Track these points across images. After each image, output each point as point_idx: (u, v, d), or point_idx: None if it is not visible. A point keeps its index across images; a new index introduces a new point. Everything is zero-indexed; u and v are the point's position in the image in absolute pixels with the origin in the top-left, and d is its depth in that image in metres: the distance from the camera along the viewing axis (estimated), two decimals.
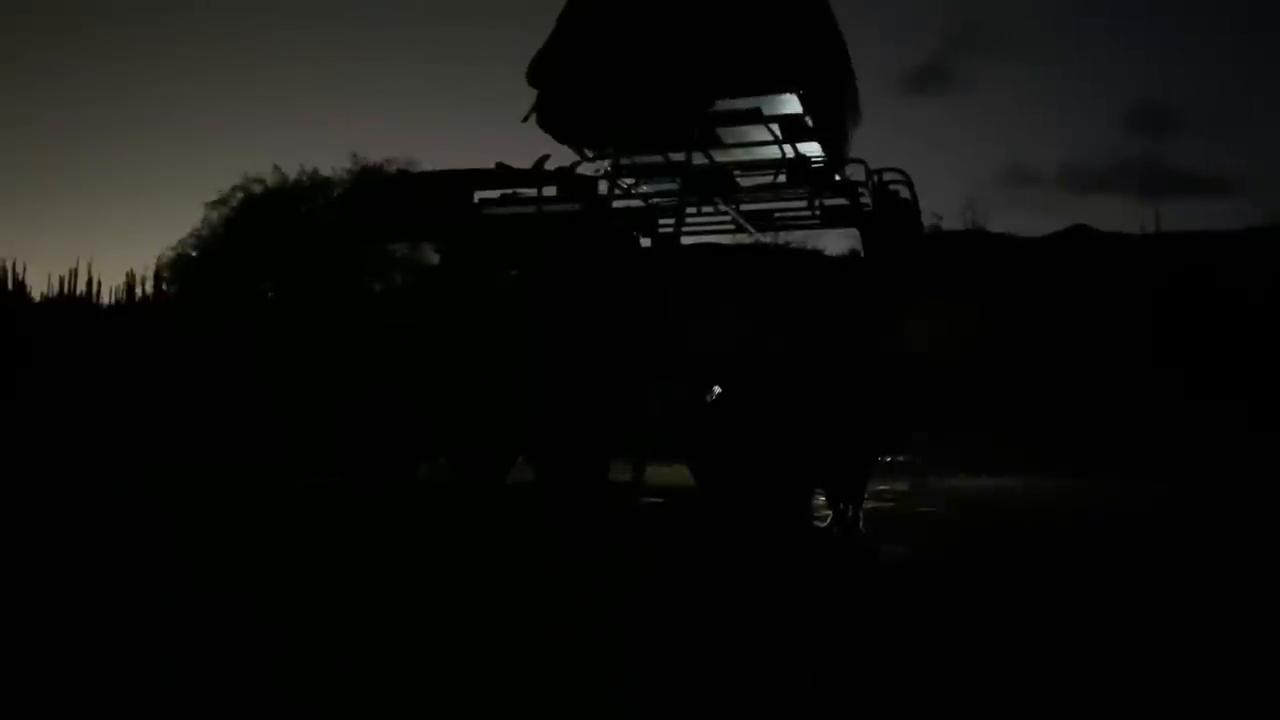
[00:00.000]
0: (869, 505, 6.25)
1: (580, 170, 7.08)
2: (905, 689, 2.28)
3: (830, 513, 5.47)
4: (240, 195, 16.16)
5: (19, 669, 2.40)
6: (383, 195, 8.75)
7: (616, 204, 7.13)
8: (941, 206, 18.74)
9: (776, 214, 7.67)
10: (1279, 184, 36.84)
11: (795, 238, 9.79)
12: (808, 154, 6.92)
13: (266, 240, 15.05)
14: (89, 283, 18.76)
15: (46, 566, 4.07)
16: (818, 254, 10.65)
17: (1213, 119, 36.99)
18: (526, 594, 3.51)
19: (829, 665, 2.51)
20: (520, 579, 3.86)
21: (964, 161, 38.52)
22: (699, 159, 6.76)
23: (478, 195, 7.12)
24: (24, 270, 18.95)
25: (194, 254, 16.47)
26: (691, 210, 7.21)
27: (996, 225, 15.88)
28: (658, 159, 6.99)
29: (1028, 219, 43.14)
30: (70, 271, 18.83)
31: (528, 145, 7.05)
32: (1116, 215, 49.65)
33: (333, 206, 15.03)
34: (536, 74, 6.58)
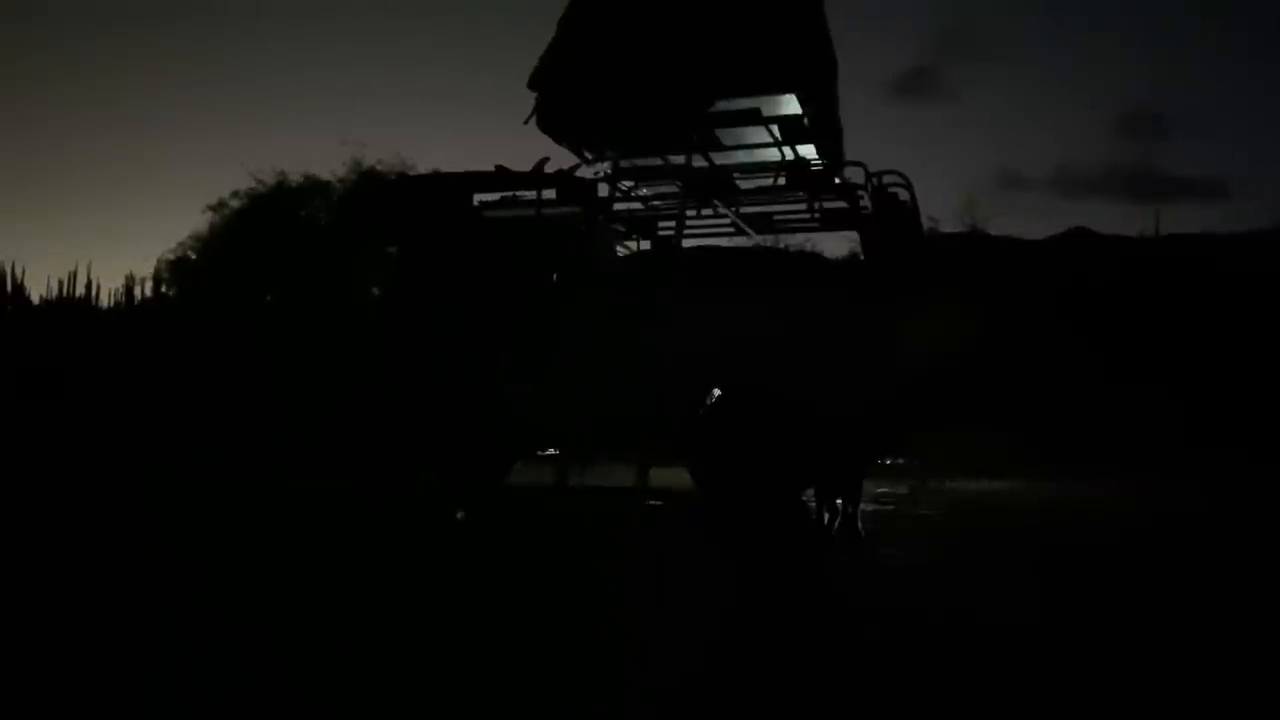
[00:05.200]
0: (868, 508, 6.25)
1: (580, 173, 7.09)
2: (892, 692, 2.27)
3: (828, 515, 5.46)
4: (240, 199, 16.21)
5: (18, 669, 2.40)
6: (382, 199, 8.77)
7: (616, 206, 7.15)
8: (935, 210, 18.74)
9: (776, 216, 7.67)
10: (1268, 186, 36.95)
11: (795, 240, 9.82)
12: (807, 156, 6.93)
13: (266, 243, 15.09)
14: (88, 285, 18.77)
15: (46, 567, 4.07)
16: (817, 256, 10.67)
17: (1203, 122, 37.13)
18: (523, 594, 3.51)
19: (824, 670, 2.50)
20: (518, 580, 3.86)
21: (956, 166, 38.70)
22: (698, 161, 6.77)
23: (477, 198, 7.13)
24: (23, 273, 18.95)
25: (194, 256, 16.51)
26: (691, 213, 7.21)
27: (991, 229, 15.88)
28: (657, 161, 7.00)
29: (1021, 223, 43.24)
30: (69, 274, 18.84)
31: (527, 148, 7.06)
32: (1110, 218, 49.81)
33: (333, 210, 15.08)
34: (537, 78, 6.60)
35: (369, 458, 6.94)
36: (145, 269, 19.79)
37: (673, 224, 7.13)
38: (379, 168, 15.70)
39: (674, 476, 6.69)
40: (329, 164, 16.50)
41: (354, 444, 6.96)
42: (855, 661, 2.55)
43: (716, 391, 6.35)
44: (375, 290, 7.39)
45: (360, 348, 7.01)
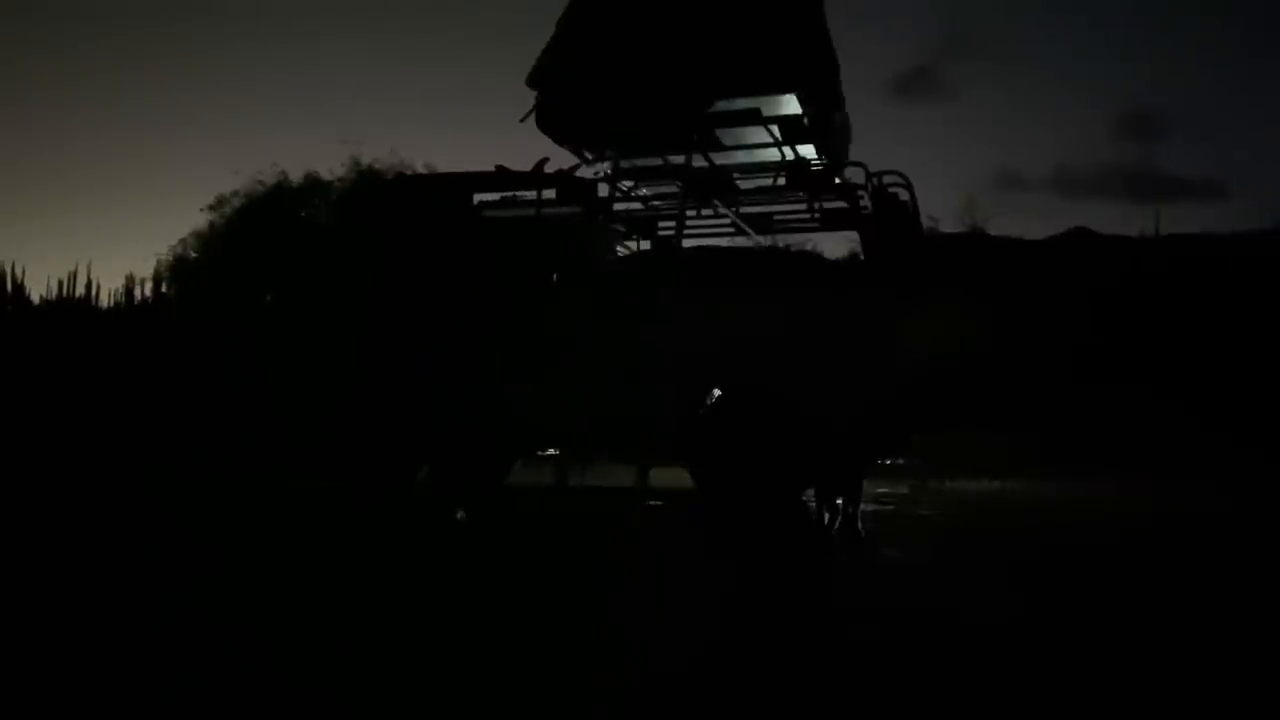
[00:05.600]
0: (868, 508, 6.25)
1: (580, 173, 7.10)
2: (890, 692, 2.27)
3: (828, 515, 5.47)
4: (240, 199, 16.20)
5: (19, 671, 2.40)
6: (382, 198, 8.76)
7: (616, 206, 7.15)
8: (935, 210, 18.69)
9: (776, 216, 7.67)
10: (1266, 186, 36.99)
11: (795, 240, 9.79)
12: (807, 156, 6.93)
13: (267, 243, 15.08)
14: (88, 285, 18.78)
15: (46, 569, 4.07)
16: (817, 257, 10.66)
17: (1200, 123, 37.15)
18: (522, 595, 3.51)
19: (823, 670, 2.50)
20: (517, 580, 3.86)
21: (956, 166, 38.71)
22: (698, 161, 6.77)
23: (477, 198, 7.13)
24: (23, 273, 18.98)
25: (194, 255, 16.50)
26: (691, 213, 7.22)
27: (991, 229, 15.85)
28: (657, 161, 7.00)
29: (1021, 223, 43.20)
30: (69, 274, 18.86)
31: (527, 148, 7.06)
32: (1110, 218, 49.82)
33: (333, 210, 15.08)
34: (536, 76, 6.60)
35: (368, 458, 6.94)
36: (145, 269, 19.79)
37: (673, 224, 7.13)
38: (377, 167, 15.71)
39: (674, 476, 6.69)
40: (329, 164, 16.50)
41: (353, 444, 6.95)
42: (854, 663, 2.55)
43: (716, 392, 6.34)
44: (375, 291, 7.37)
45: (360, 348, 7.00)
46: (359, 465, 6.96)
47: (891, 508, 7.03)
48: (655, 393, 6.14)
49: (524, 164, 7.00)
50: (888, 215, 6.40)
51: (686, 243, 7.23)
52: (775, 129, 6.53)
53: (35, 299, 19.17)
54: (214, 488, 8.71)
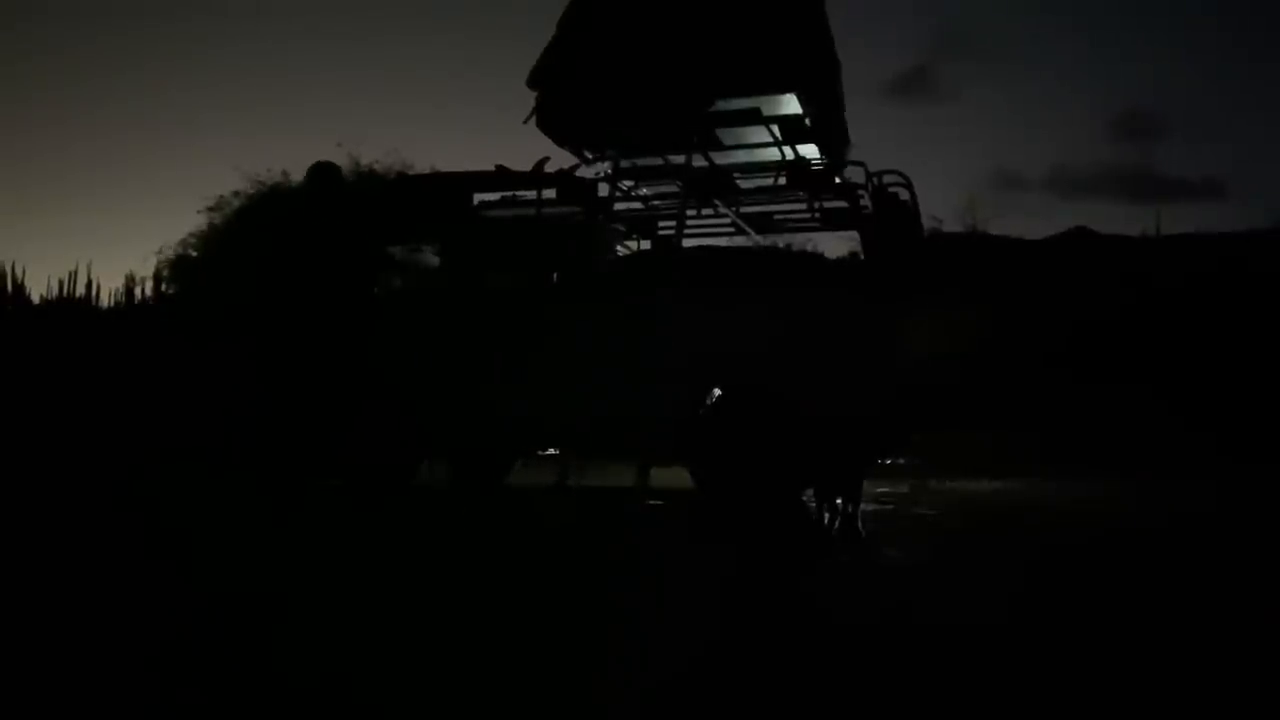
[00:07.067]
0: (868, 508, 6.25)
1: (580, 173, 7.10)
2: (888, 694, 2.27)
3: (828, 515, 5.46)
4: (239, 198, 16.17)
5: (20, 672, 2.40)
6: (382, 198, 8.75)
7: (616, 206, 7.16)
8: (936, 210, 18.67)
9: (776, 216, 7.67)
10: (1266, 186, 36.85)
11: (795, 240, 9.79)
12: (807, 156, 6.93)
13: (265, 242, 15.06)
14: (88, 285, 18.71)
15: (48, 570, 4.07)
16: (817, 256, 10.65)
17: (1200, 123, 37.00)
18: (520, 595, 3.50)
19: (821, 671, 2.50)
20: (515, 581, 3.86)
21: (956, 166, 38.52)
22: (698, 161, 6.78)
23: (477, 197, 7.13)
24: (23, 273, 18.90)
25: (194, 254, 16.47)
26: (691, 213, 7.22)
27: (991, 229, 15.80)
28: (657, 161, 7.00)
29: (1021, 223, 43.09)
30: (70, 274, 18.79)
31: (527, 148, 7.07)
32: (1110, 219, 49.79)
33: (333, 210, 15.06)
34: (536, 77, 6.61)
35: (366, 458, 6.93)
36: (145, 269, 19.71)
37: (673, 224, 7.13)
38: (377, 167, 15.69)
39: (674, 476, 6.68)
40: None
41: (350, 444, 6.95)
42: (853, 662, 2.55)
43: (716, 391, 6.34)
44: (374, 291, 7.37)
45: (359, 348, 6.99)
46: (358, 465, 6.95)
47: (891, 508, 7.02)
48: (655, 393, 6.13)
49: (524, 164, 7.01)
50: (888, 215, 6.40)
51: (686, 243, 7.23)
52: (776, 129, 6.54)
53: (35, 299, 19.10)
54: (213, 488, 8.69)
